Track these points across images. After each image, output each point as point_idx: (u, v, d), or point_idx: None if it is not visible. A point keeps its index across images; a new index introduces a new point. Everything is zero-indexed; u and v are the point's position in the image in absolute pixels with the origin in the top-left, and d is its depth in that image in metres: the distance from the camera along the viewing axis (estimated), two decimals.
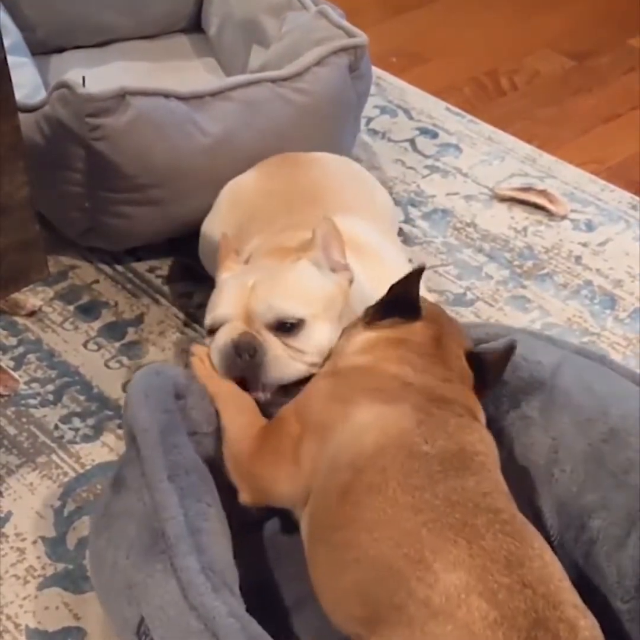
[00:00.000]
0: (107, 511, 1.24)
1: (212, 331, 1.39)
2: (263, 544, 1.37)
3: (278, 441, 1.23)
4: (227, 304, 1.39)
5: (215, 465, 1.28)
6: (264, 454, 1.23)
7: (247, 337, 1.34)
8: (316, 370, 1.35)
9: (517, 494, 1.15)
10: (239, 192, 1.71)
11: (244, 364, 1.34)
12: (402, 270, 1.47)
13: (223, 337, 1.35)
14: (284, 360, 1.34)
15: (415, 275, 1.28)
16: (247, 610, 1.12)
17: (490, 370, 1.30)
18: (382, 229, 1.65)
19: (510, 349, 1.29)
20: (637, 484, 1.21)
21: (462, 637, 1.00)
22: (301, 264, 1.41)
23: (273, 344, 1.34)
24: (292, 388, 1.34)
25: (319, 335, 1.37)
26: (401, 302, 1.29)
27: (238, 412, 1.30)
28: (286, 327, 1.35)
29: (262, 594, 1.26)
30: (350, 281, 1.42)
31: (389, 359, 1.25)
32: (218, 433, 1.31)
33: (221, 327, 1.37)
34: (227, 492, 1.26)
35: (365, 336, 1.29)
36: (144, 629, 1.11)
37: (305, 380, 1.33)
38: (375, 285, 1.42)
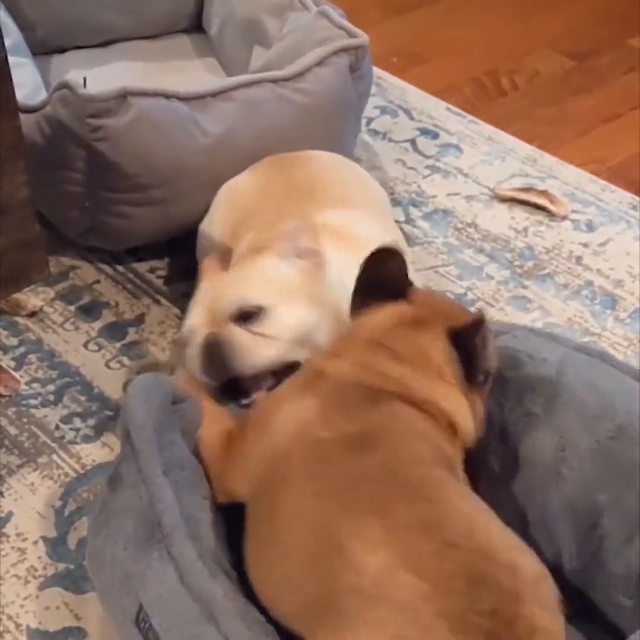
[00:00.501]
0: (105, 508, 1.24)
1: (186, 340, 1.40)
2: None
3: (237, 440, 1.23)
4: (193, 313, 1.41)
5: None
6: (226, 454, 1.24)
7: (212, 337, 1.35)
8: (293, 354, 1.35)
9: (525, 494, 1.14)
10: (234, 194, 1.71)
11: (219, 365, 1.34)
12: None
13: (194, 348, 1.37)
14: (251, 347, 1.34)
15: (379, 256, 1.26)
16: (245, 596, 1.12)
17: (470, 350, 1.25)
18: (381, 224, 1.64)
19: (479, 321, 1.22)
20: None
21: (401, 618, 0.97)
22: (260, 257, 1.42)
23: (237, 334, 1.35)
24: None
25: (285, 319, 1.37)
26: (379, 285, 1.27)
27: (210, 424, 1.29)
28: (249, 316, 1.36)
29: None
30: (319, 264, 1.42)
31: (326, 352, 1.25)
32: None
33: (189, 334, 1.39)
34: None
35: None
36: (143, 616, 1.11)
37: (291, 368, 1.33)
38: (350, 272, 1.41)
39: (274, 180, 1.68)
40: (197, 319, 1.40)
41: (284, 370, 1.35)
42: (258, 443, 1.19)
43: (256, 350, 1.35)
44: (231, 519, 1.24)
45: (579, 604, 1.25)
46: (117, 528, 1.20)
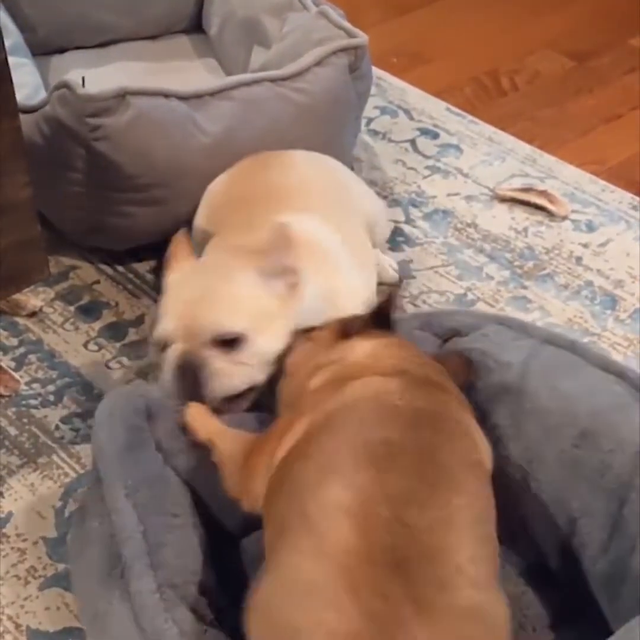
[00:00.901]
0: (77, 535, 1.24)
1: (161, 347, 1.38)
2: (242, 549, 1.34)
3: (265, 444, 1.22)
4: (168, 320, 1.38)
5: (195, 478, 1.28)
6: (253, 460, 1.22)
7: (188, 357, 1.34)
8: (262, 379, 1.36)
9: (502, 508, 1.10)
10: (212, 194, 1.71)
11: (192, 388, 1.33)
12: (349, 278, 1.49)
13: (168, 363, 1.36)
14: (226, 374, 1.35)
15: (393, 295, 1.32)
16: (224, 613, 1.11)
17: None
18: (349, 230, 1.62)
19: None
20: (613, 487, 1.19)
21: (316, 554, 0.97)
22: (242, 275, 1.39)
23: (213, 360, 1.34)
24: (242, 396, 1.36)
25: (262, 348, 1.37)
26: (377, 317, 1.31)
27: (234, 439, 1.28)
28: (227, 342, 1.35)
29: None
30: (295, 286, 1.40)
31: (391, 356, 1.25)
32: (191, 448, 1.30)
33: (165, 345, 1.37)
34: (206, 503, 1.27)
35: (365, 344, 1.28)
36: None
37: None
38: (320, 290, 1.42)
39: (246, 182, 1.67)
40: (172, 329, 1.37)
41: (245, 391, 1.37)
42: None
43: (230, 376, 1.35)
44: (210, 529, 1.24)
45: (567, 605, 1.26)
46: (87, 559, 1.20)
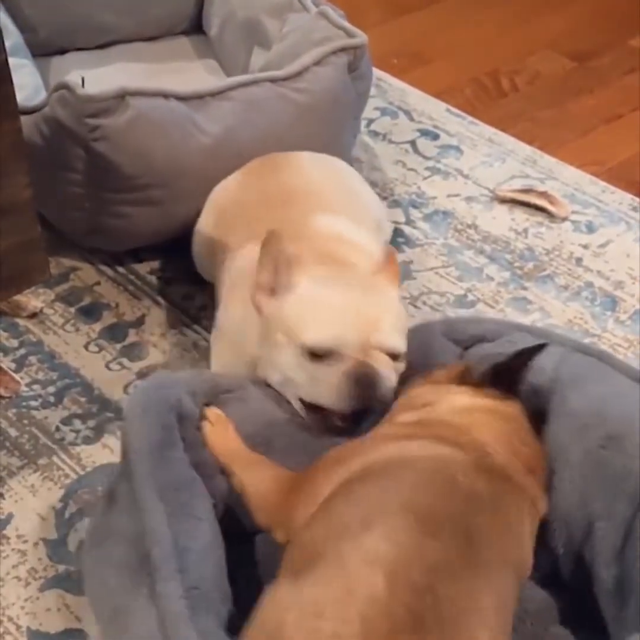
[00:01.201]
0: (101, 525, 1.24)
1: (314, 355, 1.35)
2: (257, 551, 1.35)
3: (312, 478, 1.21)
4: (339, 330, 1.35)
5: (210, 475, 1.28)
6: (294, 498, 1.22)
7: (367, 370, 1.33)
8: None
9: None
10: (223, 195, 1.71)
11: (366, 395, 1.33)
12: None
13: (338, 371, 1.33)
14: (393, 383, 1.36)
15: (528, 354, 1.30)
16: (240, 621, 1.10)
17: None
18: (366, 228, 1.63)
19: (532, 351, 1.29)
20: (631, 492, 1.19)
21: (348, 602, 0.98)
22: (396, 295, 1.43)
23: (391, 376, 1.35)
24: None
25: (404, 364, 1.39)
26: (504, 375, 1.29)
27: (259, 469, 1.28)
28: (392, 356, 1.36)
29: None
30: None
31: (481, 425, 1.24)
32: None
33: (329, 354, 1.34)
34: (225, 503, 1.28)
35: (464, 399, 1.28)
36: None
37: None
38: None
39: (260, 183, 1.67)
40: (344, 337, 1.34)
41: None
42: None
43: (394, 386, 1.36)
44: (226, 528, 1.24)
45: (575, 609, 1.26)
46: (110, 551, 1.19)
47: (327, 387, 1.33)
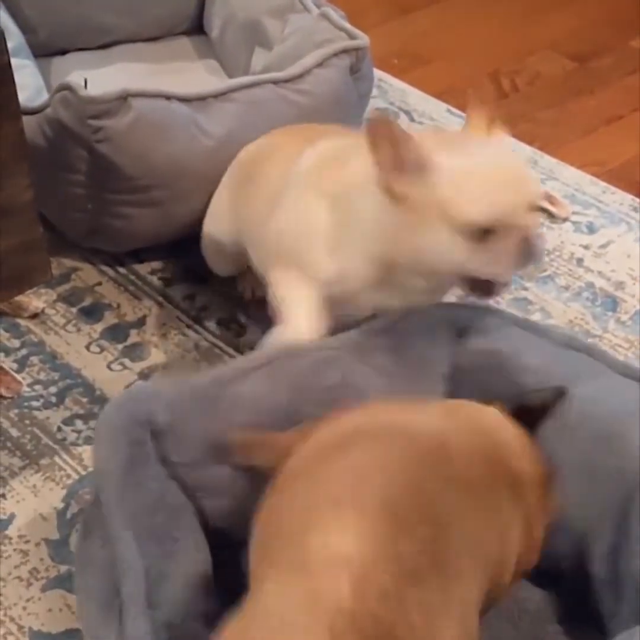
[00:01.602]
0: (80, 552, 1.22)
1: (481, 230, 1.29)
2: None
3: None
4: (503, 200, 1.30)
5: (195, 493, 1.24)
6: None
7: (535, 235, 1.31)
8: None
9: None
10: (240, 158, 1.71)
11: (535, 255, 1.32)
12: None
13: (509, 242, 1.30)
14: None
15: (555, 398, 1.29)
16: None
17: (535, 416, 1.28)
18: None
19: (558, 397, 1.27)
20: (624, 491, 1.19)
21: (313, 616, 0.90)
22: (511, 141, 1.43)
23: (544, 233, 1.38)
24: None
25: None
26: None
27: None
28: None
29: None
30: None
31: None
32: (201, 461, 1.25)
33: (498, 226, 1.29)
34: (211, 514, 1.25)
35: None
36: None
37: None
38: None
39: (290, 132, 1.67)
40: (511, 205, 1.30)
41: None
42: None
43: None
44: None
45: (573, 607, 1.26)
46: (87, 582, 1.17)
47: (497, 259, 1.32)
